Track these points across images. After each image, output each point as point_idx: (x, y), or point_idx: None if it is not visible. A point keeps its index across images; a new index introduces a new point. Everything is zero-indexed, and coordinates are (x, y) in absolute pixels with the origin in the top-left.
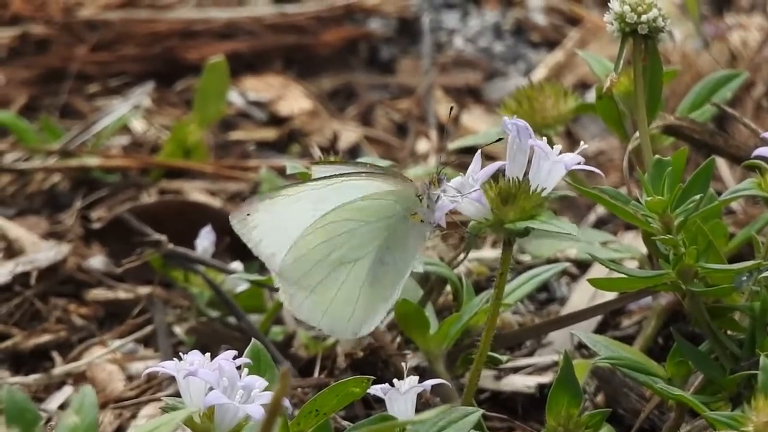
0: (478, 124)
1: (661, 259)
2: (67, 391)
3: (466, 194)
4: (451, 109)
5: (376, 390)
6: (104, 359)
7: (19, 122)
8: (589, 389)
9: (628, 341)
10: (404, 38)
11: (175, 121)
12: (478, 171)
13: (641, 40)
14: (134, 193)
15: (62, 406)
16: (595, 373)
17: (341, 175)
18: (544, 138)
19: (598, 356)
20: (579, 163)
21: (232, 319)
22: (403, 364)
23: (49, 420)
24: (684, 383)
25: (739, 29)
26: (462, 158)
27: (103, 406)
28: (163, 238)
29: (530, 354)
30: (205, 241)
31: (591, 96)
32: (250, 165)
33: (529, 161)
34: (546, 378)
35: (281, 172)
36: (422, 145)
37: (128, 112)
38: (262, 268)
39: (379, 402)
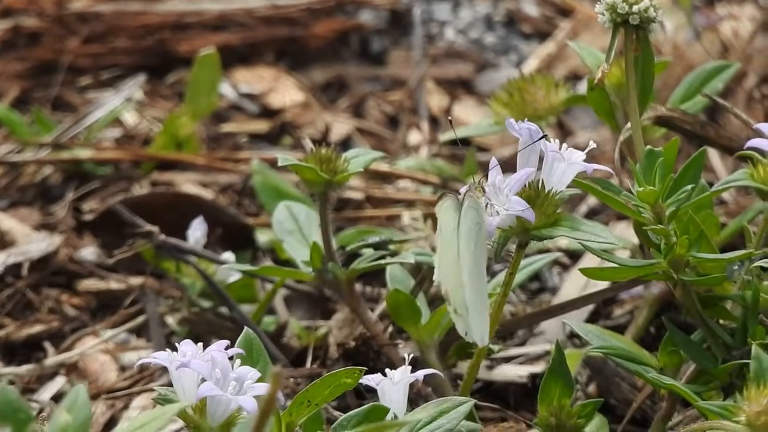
0: (469, 116)
1: (653, 248)
2: (59, 381)
3: (517, 211)
4: (450, 121)
5: (368, 380)
6: (96, 350)
7: (11, 115)
8: (581, 379)
9: (620, 331)
10: (395, 30)
11: (166, 113)
12: (502, 180)
13: (633, 30)
14: (126, 185)
15: (55, 397)
16: (587, 362)
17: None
18: (555, 141)
19: (590, 346)
20: (585, 161)
21: (224, 310)
22: (405, 354)
23: (41, 411)
24: (676, 373)
25: (731, 20)
26: (453, 150)
27: (95, 396)
28: (155, 229)
29: (522, 344)
30: (197, 232)
31: (582, 87)
32: (241, 157)
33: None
34: (538, 368)
35: (273, 164)
36: (414, 137)
37: (120, 105)
38: (254, 259)
39: (372, 392)
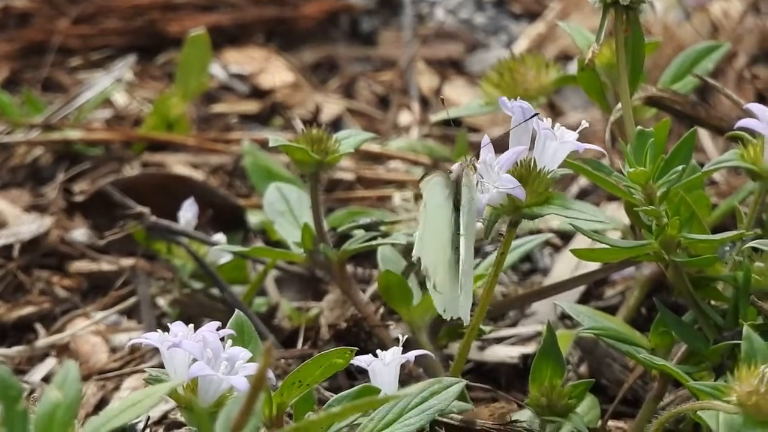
0: (460, 96)
1: (644, 229)
2: (50, 363)
3: (508, 189)
4: (442, 100)
5: (359, 361)
6: (87, 331)
7: (1, 96)
8: (573, 360)
9: (611, 312)
10: (385, 10)
11: (157, 94)
12: (494, 158)
13: (623, 11)
14: (117, 166)
15: (45, 378)
16: (578, 343)
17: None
18: (547, 120)
19: (581, 327)
20: (577, 140)
21: (215, 291)
22: (396, 335)
23: (32, 392)
24: (667, 353)
25: (721, 0)
26: (444, 130)
27: (86, 377)
28: (146, 210)
29: (513, 324)
30: (188, 213)
31: (573, 68)
32: (232, 138)
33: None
34: (529, 348)
35: (263, 144)
36: (404, 118)
37: (110, 86)
38: (245, 240)
39: (363, 373)
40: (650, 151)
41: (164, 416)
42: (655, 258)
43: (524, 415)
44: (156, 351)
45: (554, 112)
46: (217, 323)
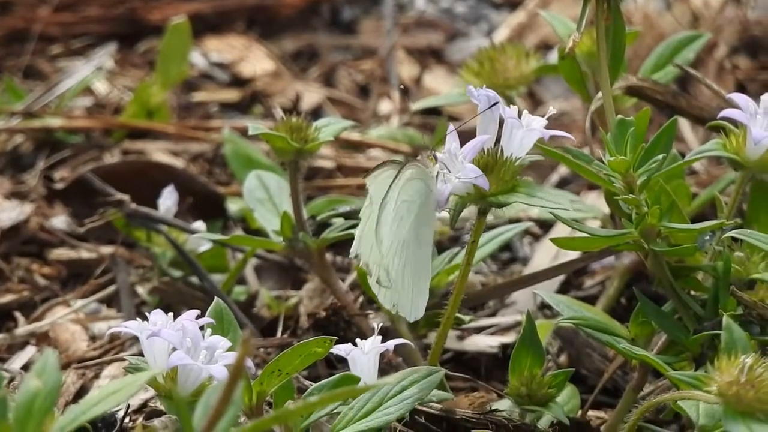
0: (440, 85)
1: (624, 218)
2: (30, 351)
3: (470, 179)
4: (405, 89)
5: (339, 350)
6: (67, 319)
7: None
8: (552, 349)
9: (591, 301)
10: None
11: (137, 82)
12: (458, 148)
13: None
14: (97, 153)
15: (25, 367)
16: (557, 333)
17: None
18: (514, 107)
19: (561, 316)
20: (548, 127)
21: (194, 279)
22: (375, 324)
23: (12, 380)
24: (647, 343)
25: None
26: (424, 119)
27: (65, 366)
28: (126, 198)
29: (493, 314)
30: (168, 200)
31: (553, 57)
32: (212, 126)
33: (499, 127)
34: (509, 338)
35: (244, 132)
36: (385, 106)
37: (91, 74)
38: (225, 228)
39: (342, 362)
40: (631, 139)
41: (144, 404)
42: (634, 247)
43: (504, 405)
44: (136, 339)
45: (534, 101)
46: (197, 312)
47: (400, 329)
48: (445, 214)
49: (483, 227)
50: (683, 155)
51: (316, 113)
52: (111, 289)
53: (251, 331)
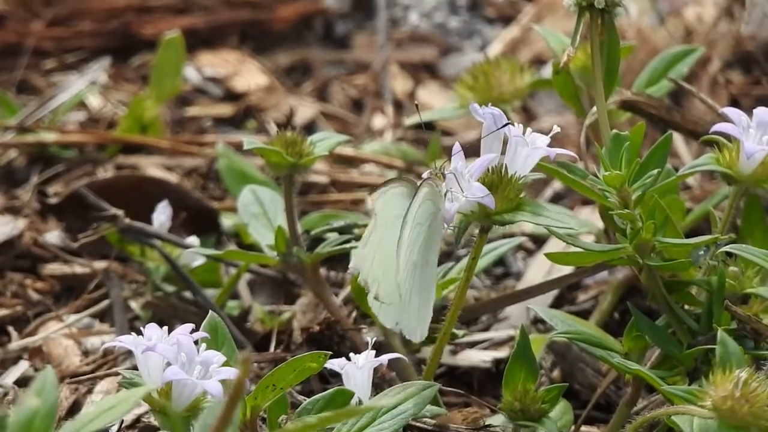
0: (434, 100)
1: (618, 233)
2: (23, 365)
3: (478, 197)
4: (416, 106)
5: (332, 364)
6: (60, 334)
7: None
8: (546, 364)
9: (584, 316)
10: (359, 14)
11: (131, 96)
12: (465, 166)
13: (598, 14)
14: (91, 168)
15: (18, 381)
16: (551, 347)
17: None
18: (519, 125)
19: (554, 331)
20: (549, 146)
21: (188, 294)
22: (369, 339)
23: (5, 395)
24: (641, 358)
25: (695, 5)
26: (418, 133)
27: (59, 381)
28: (120, 212)
29: (486, 329)
30: (162, 215)
31: (547, 71)
32: (206, 140)
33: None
34: (502, 353)
35: (238, 147)
36: (378, 121)
37: (85, 88)
38: (218, 243)
39: (336, 376)
40: (625, 154)
41: (137, 420)
42: (629, 262)
43: (497, 420)
44: (129, 354)
45: (528, 116)
46: (191, 326)
47: (393, 344)
48: (448, 232)
49: (484, 244)
50: (677, 170)
51: (310, 128)
52: (104, 303)
53: (248, 350)
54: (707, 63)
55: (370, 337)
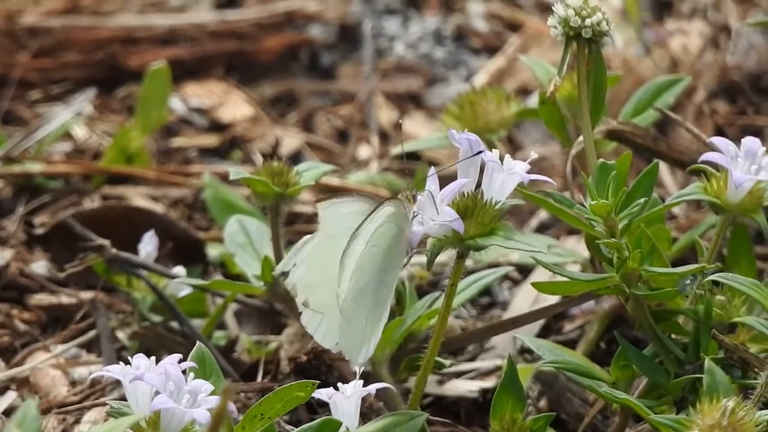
0: (419, 130)
1: (605, 262)
2: (10, 396)
3: (446, 221)
4: (400, 124)
5: (320, 394)
6: (47, 364)
7: None
8: (533, 394)
9: (571, 345)
10: (345, 44)
11: (117, 127)
12: (437, 190)
13: (585, 44)
14: (77, 198)
15: (6, 412)
16: (538, 377)
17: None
18: (495, 151)
19: (541, 360)
20: (529, 172)
21: (174, 324)
22: (356, 369)
23: None
24: (628, 387)
25: (680, 35)
26: (404, 164)
27: (46, 411)
28: (106, 243)
29: (473, 358)
30: (148, 246)
31: (533, 101)
32: (192, 171)
33: (480, 171)
34: (489, 382)
35: (224, 177)
36: (364, 151)
37: (70, 119)
38: (205, 273)
39: (324, 406)
40: (612, 183)
41: None
42: (615, 291)
43: None
44: (116, 384)
45: (514, 146)
46: (179, 356)
47: (380, 373)
48: (423, 258)
49: (462, 270)
50: (663, 199)
51: (296, 158)
52: (91, 334)
53: (233, 379)
54: (693, 93)
55: (357, 367)
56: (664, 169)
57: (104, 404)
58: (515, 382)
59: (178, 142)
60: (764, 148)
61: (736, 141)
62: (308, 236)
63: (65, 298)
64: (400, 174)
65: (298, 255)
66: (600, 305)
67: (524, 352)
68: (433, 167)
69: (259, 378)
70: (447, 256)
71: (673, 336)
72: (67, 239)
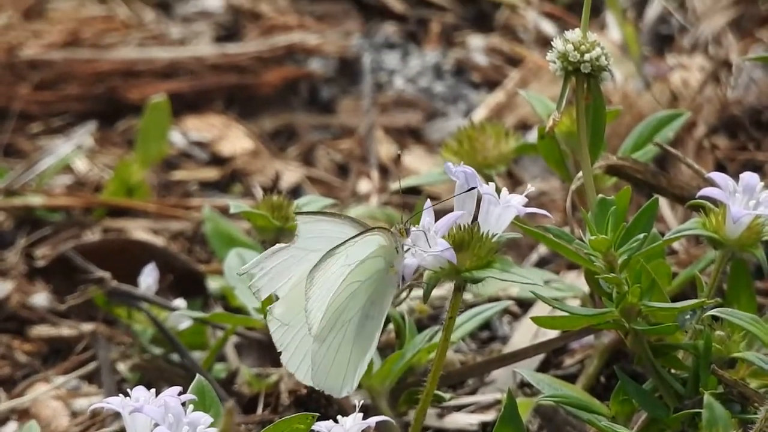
0: (419, 165)
1: (604, 297)
2: (11, 427)
3: (438, 252)
4: (399, 156)
5: (320, 427)
6: (48, 396)
7: None
8: (532, 428)
9: (571, 380)
10: (345, 78)
11: (117, 160)
12: (432, 223)
13: (584, 79)
14: (77, 231)
15: None
16: (537, 411)
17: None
18: (491, 184)
19: (541, 394)
20: (527, 205)
21: (175, 356)
22: (356, 402)
23: None
24: (628, 422)
25: (681, 69)
26: (404, 198)
27: None
28: (107, 275)
29: (473, 392)
30: (149, 278)
31: (532, 136)
32: (192, 204)
33: (477, 204)
34: (489, 416)
35: (224, 211)
36: (364, 185)
37: (71, 152)
38: (205, 306)
39: None
40: (612, 218)
41: None
42: (615, 326)
43: None
44: (116, 416)
45: (513, 181)
46: (179, 388)
47: (380, 406)
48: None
49: (459, 303)
50: (663, 234)
51: (296, 192)
52: (92, 365)
53: (233, 403)
54: (693, 128)
55: (357, 399)
56: (664, 204)
57: None
58: (515, 416)
59: (178, 175)
60: (762, 183)
61: (737, 176)
62: (280, 245)
63: (66, 330)
64: (400, 208)
65: (266, 261)
66: (600, 340)
67: (524, 386)
68: (429, 200)
69: (260, 410)
70: (447, 289)
71: (673, 371)
72: (68, 271)
